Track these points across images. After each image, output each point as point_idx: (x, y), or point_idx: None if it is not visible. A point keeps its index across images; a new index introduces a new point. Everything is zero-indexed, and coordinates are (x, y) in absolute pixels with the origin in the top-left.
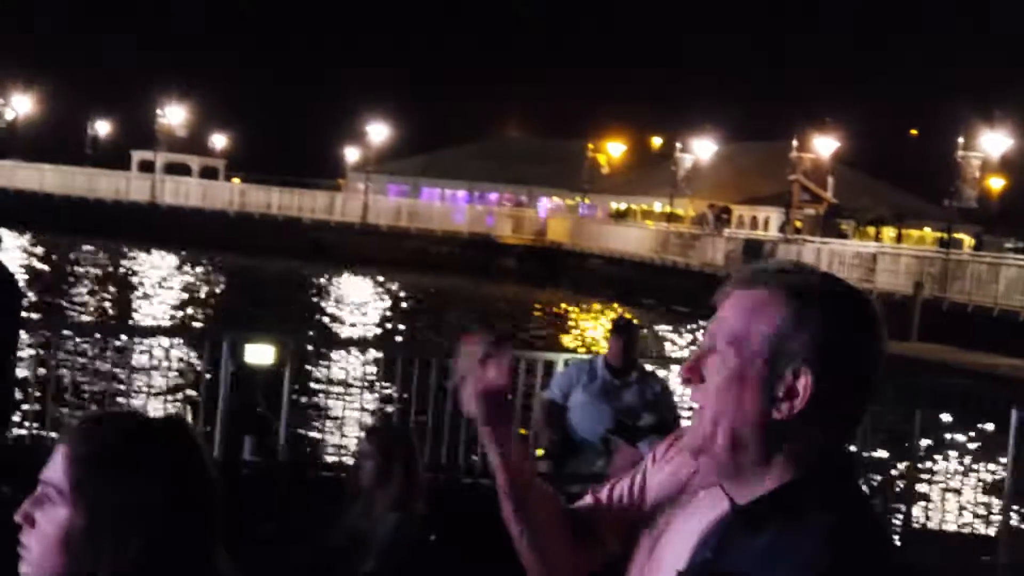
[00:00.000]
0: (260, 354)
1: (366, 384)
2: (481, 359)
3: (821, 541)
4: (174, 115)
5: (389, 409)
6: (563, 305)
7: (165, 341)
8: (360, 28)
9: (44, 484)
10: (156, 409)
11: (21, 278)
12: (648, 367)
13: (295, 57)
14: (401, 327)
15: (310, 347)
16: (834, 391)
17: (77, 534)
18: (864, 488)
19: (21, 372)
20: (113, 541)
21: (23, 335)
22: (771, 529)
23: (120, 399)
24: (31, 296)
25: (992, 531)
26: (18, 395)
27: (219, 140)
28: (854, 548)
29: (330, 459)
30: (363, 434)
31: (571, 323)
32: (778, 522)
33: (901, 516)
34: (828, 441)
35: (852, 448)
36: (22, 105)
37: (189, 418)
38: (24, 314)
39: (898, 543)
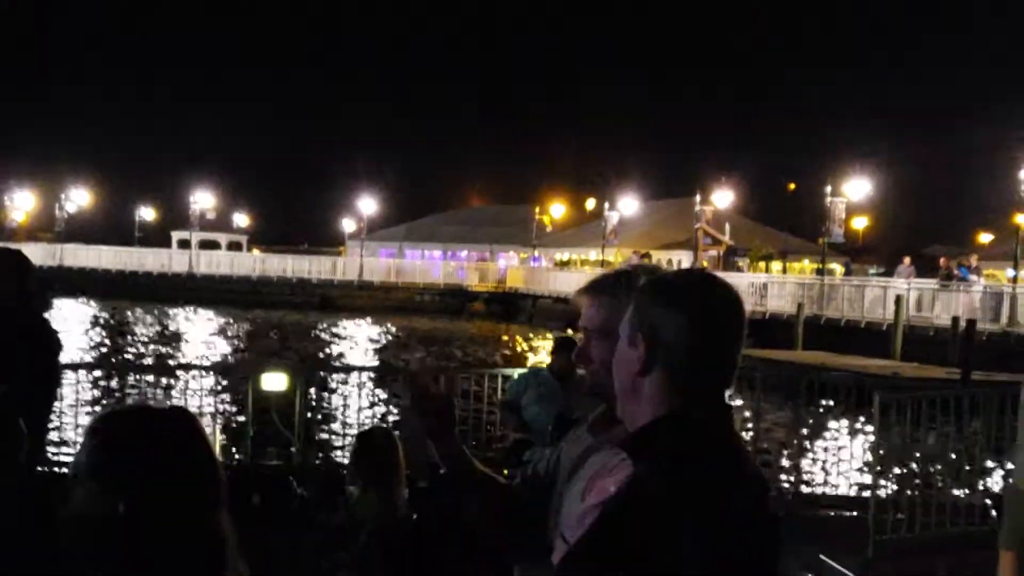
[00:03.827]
0: (275, 381)
1: (361, 402)
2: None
3: (673, 459)
4: (204, 201)
5: (378, 419)
6: (520, 336)
7: (201, 376)
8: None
9: (74, 466)
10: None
11: (91, 335)
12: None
13: (302, 146)
14: (391, 359)
15: (320, 373)
16: (672, 353)
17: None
18: (722, 421)
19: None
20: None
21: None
22: (646, 452)
23: None
24: (99, 346)
25: (865, 493)
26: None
27: (241, 219)
28: (695, 461)
29: (335, 457)
30: (356, 437)
31: (525, 347)
32: (650, 446)
33: (793, 481)
34: (685, 389)
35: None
36: (80, 198)
37: (220, 436)
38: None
39: (793, 498)
